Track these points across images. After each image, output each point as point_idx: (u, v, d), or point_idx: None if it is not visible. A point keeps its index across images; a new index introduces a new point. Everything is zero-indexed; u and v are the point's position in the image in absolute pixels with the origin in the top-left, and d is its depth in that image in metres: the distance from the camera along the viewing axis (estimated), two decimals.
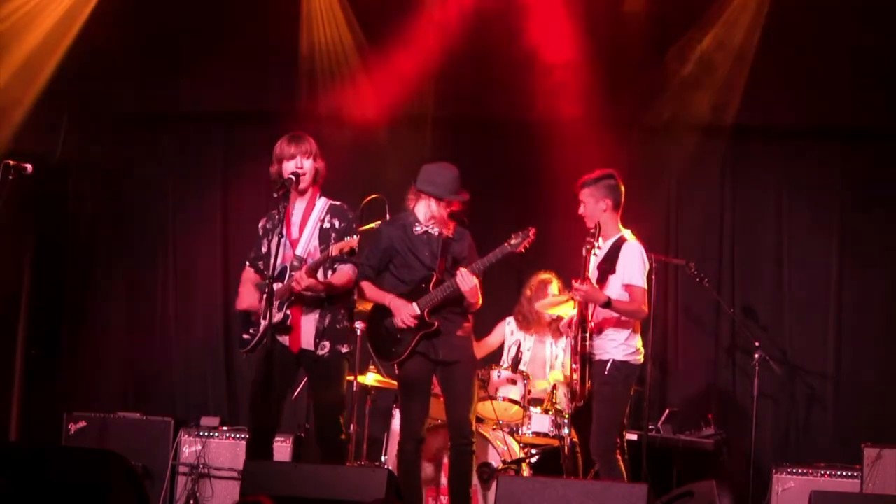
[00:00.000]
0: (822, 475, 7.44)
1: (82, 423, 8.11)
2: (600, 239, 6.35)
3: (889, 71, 7.91)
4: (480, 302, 6.36)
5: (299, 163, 6.02)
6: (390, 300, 6.28)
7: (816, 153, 8.54)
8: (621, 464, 6.33)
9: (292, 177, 5.97)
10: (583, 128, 8.39)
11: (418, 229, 6.32)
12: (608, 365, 6.34)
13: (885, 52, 7.87)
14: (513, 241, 6.16)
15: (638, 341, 6.44)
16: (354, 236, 5.92)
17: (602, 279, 6.40)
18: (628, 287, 6.37)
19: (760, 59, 8.11)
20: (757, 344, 7.95)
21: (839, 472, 7.42)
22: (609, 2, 8.30)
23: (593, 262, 6.45)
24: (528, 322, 7.82)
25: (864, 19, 7.87)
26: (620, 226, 6.53)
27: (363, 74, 8.71)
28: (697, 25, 8.22)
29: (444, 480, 6.92)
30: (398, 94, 8.64)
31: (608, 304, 6.25)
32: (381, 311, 6.36)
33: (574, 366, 6.44)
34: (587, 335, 6.34)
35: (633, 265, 6.39)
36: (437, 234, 6.31)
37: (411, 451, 6.28)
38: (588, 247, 6.30)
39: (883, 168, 8.32)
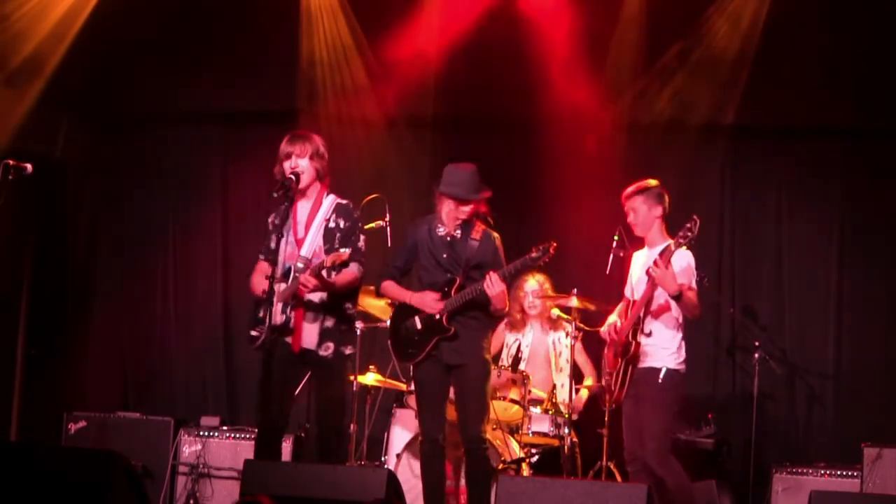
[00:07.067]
0: (822, 475, 7.43)
1: (82, 423, 8.10)
2: (643, 248, 6.52)
3: (890, 70, 7.91)
4: (508, 307, 6.33)
5: (294, 163, 6.02)
6: (411, 296, 6.24)
7: (816, 153, 8.53)
8: (677, 462, 6.35)
9: (292, 177, 5.98)
10: (583, 128, 8.40)
11: (441, 231, 6.24)
12: (661, 373, 6.36)
13: (885, 52, 7.86)
14: (534, 255, 6.09)
15: (684, 350, 6.46)
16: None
17: (655, 285, 6.35)
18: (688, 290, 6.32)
19: (760, 59, 8.11)
20: (757, 344, 7.96)
21: (839, 472, 7.41)
22: (609, 1, 8.30)
23: (639, 270, 6.49)
24: (514, 322, 7.83)
25: (865, 18, 7.87)
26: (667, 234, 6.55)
27: (363, 74, 8.71)
28: (698, 25, 8.22)
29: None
30: (398, 94, 8.65)
31: (679, 296, 6.20)
32: (403, 311, 6.31)
33: (610, 369, 6.47)
34: (638, 340, 6.33)
35: (689, 270, 6.40)
36: (459, 236, 6.24)
37: (428, 452, 6.22)
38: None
39: (883, 168, 8.31)
